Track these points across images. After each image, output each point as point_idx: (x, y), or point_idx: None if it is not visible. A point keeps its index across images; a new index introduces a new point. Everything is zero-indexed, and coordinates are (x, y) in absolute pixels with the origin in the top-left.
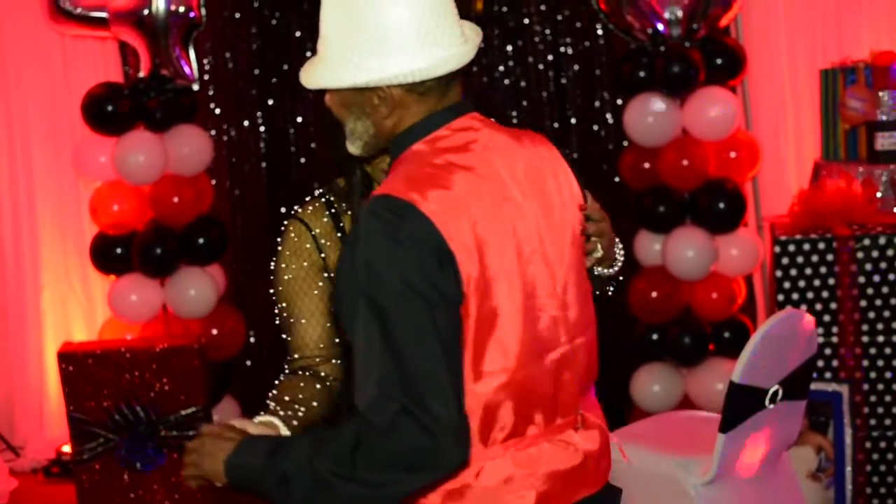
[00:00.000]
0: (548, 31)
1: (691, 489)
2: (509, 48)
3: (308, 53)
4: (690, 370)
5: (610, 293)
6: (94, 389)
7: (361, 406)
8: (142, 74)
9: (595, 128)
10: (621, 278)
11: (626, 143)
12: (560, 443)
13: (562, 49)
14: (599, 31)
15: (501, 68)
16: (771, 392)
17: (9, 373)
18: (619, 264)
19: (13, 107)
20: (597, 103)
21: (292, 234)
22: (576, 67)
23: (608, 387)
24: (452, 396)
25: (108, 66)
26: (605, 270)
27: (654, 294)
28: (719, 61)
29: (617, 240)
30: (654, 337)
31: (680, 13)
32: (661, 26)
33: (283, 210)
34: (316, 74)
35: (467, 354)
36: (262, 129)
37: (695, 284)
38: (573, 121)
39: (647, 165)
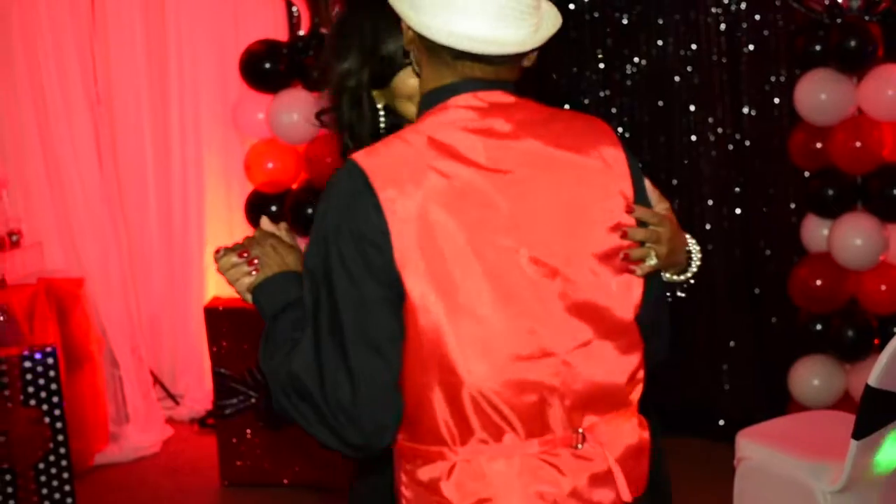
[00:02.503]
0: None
1: (820, 496)
2: (677, 16)
3: None
4: (853, 365)
5: (681, 295)
6: (236, 346)
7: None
8: (302, 33)
9: (775, 101)
10: (692, 281)
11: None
12: (541, 459)
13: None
14: (777, 2)
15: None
16: None
17: (173, 323)
18: (694, 269)
19: (185, 63)
20: (772, 77)
21: None
22: (750, 46)
23: (766, 375)
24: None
25: (276, 25)
26: (675, 277)
27: (818, 282)
28: None
29: (692, 242)
30: (816, 328)
31: None
32: None
33: None
34: None
35: (415, 345)
36: None
37: (862, 274)
38: (745, 95)
39: (818, 145)
